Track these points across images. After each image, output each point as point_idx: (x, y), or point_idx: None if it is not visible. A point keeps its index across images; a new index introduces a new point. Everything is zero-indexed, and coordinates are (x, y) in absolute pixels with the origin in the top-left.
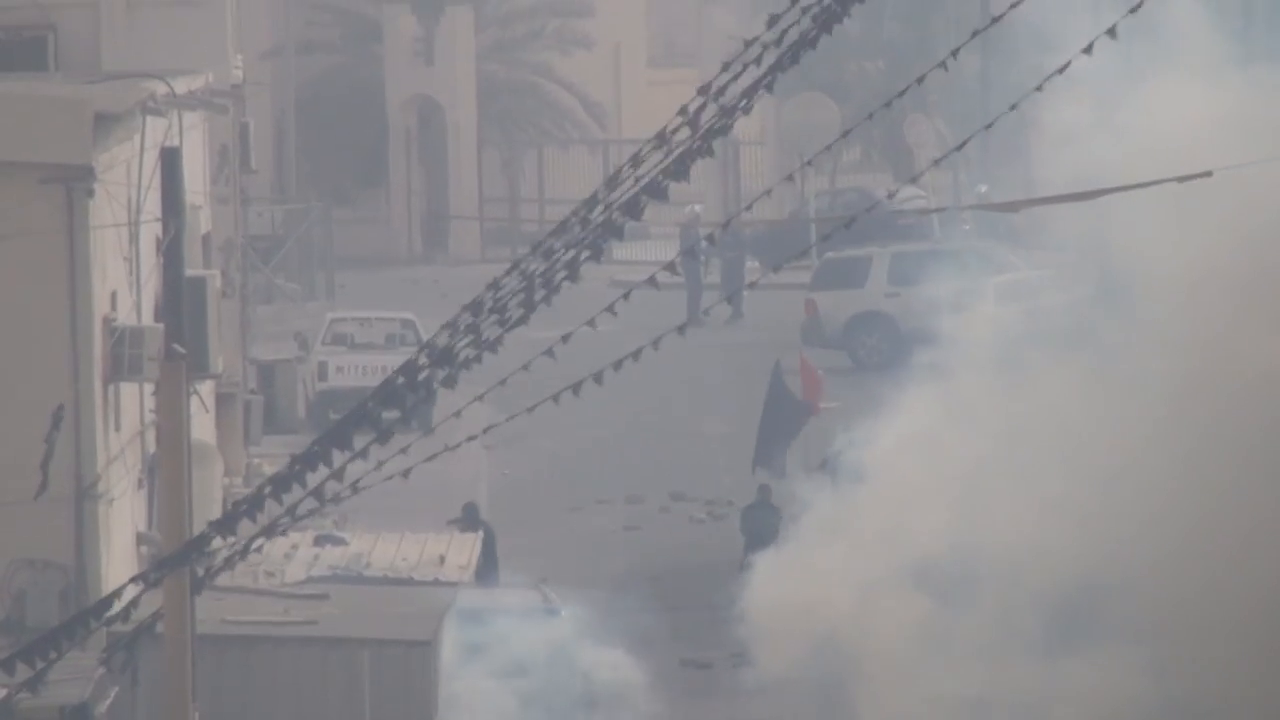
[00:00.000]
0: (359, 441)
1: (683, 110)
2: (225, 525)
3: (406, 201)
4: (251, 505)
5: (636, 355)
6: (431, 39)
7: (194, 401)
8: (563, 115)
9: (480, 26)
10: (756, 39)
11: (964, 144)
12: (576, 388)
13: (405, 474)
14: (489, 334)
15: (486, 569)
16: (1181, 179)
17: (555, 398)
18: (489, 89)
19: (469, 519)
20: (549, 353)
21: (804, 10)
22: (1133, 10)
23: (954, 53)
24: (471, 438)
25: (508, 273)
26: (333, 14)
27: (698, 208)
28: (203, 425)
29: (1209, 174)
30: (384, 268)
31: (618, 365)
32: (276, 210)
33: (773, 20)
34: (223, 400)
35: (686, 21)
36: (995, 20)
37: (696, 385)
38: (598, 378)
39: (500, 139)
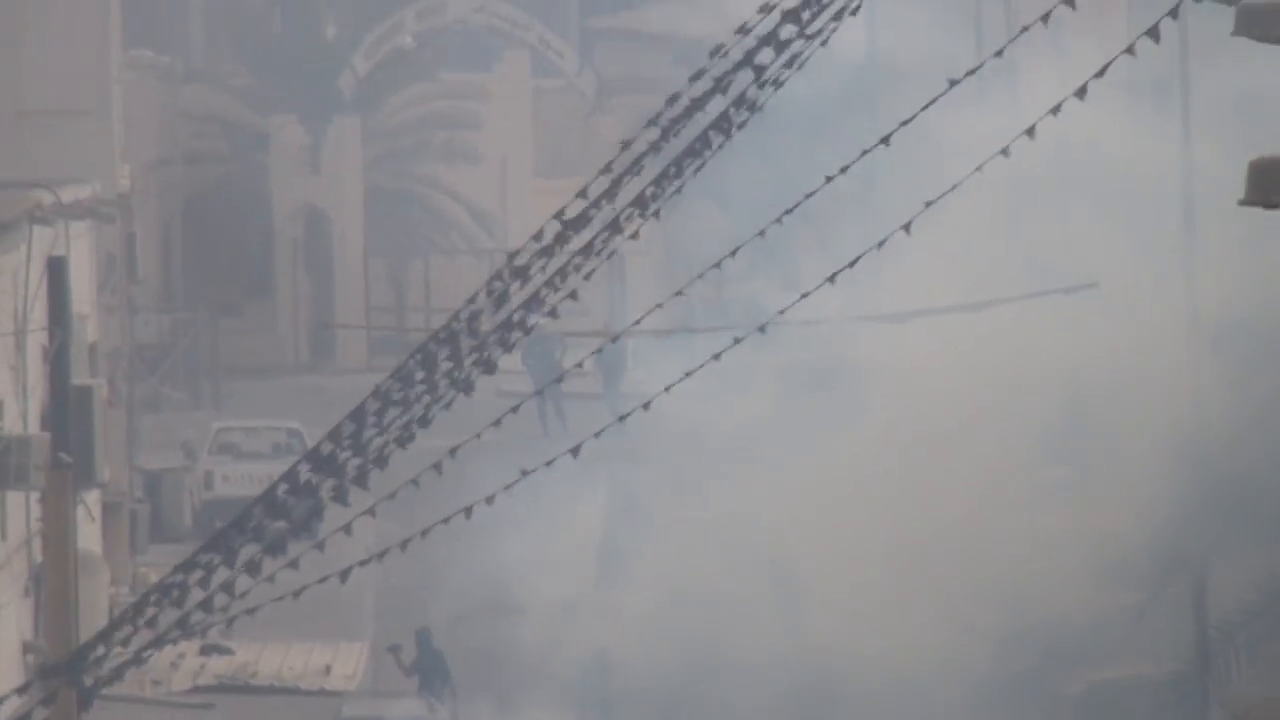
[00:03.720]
0: (245, 552)
1: (559, 214)
2: (111, 634)
3: (293, 310)
4: (136, 614)
5: (526, 474)
6: (318, 148)
7: (80, 511)
8: (449, 224)
9: (368, 138)
10: (631, 143)
11: (855, 262)
12: (468, 511)
13: (296, 595)
14: (375, 446)
15: (437, 692)
16: (1069, 290)
17: (447, 520)
18: (376, 198)
19: (423, 646)
20: (436, 467)
21: (689, 114)
22: (1027, 131)
23: (843, 170)
24: (365, 562)
25: (390, 376)
26: (220, 124)
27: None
28: (89, 534)
29: (1094, 285)
30: (271, 377)
31: (508, 487)
32: (163, 319)
33: (656, 121)
34: (109, 509)
35: (573, 131)
36: (884, 140)
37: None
38: (489, 500)
39: (387, 248)
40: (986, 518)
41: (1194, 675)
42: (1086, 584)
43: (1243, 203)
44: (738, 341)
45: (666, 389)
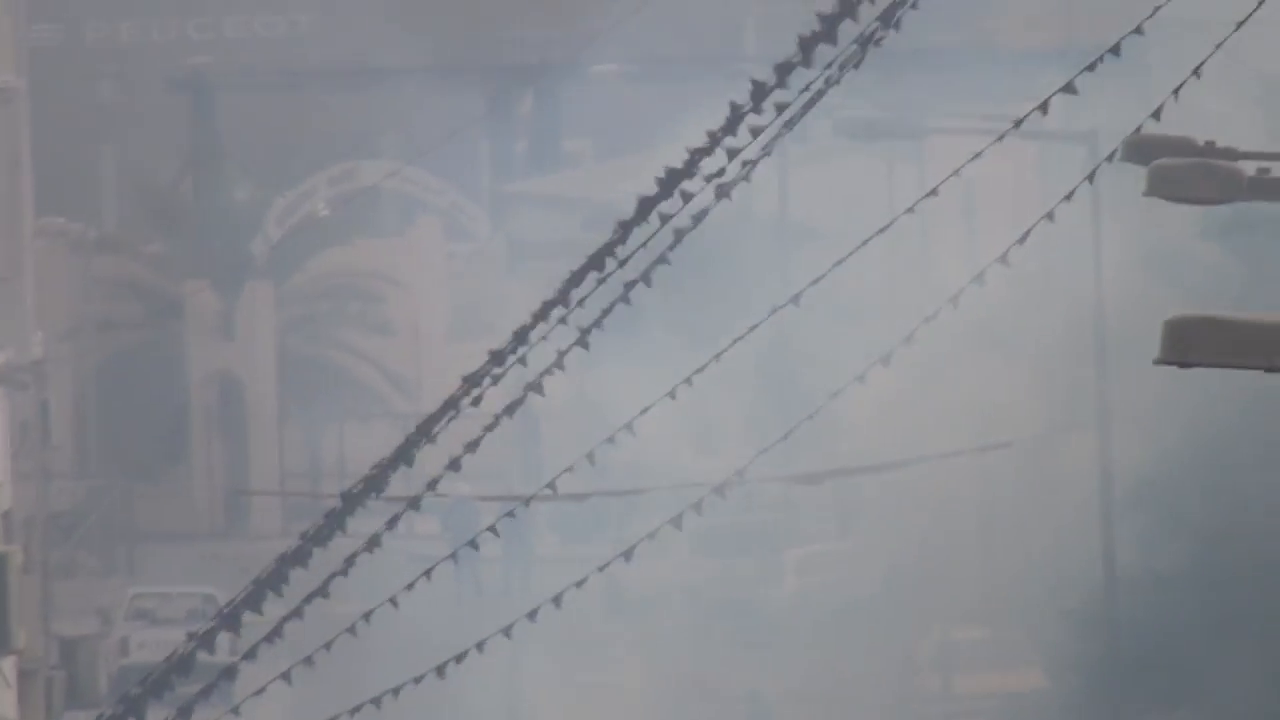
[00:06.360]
0: (157, 716)
1: (468, 377)
2: None
3: (208, 476)
4: None
5: (460, 659)
6: (232, 314)
7: None
8: (364, 390)
9: (281, 303)
10: (551, 304)
11: (790, 433)
12: (396, 691)
13: None
14: (286, 607)
15: None
16: (983, 449)
17: (377, 702)
18: (290, 364)
19: None
20: (351, 630)
21: (600, 282)
22: (975, 279)
23: (753, 328)
24: None
25: (300, 546)
26: (133, 290)
27: (465, 488)
28: (5, 701)
29: (1009, 444)
30: (186, 543)
31: (440, 670)
32: (78, 485)
33: (568, 285)
34: (25, 676)
35: (486, 295)
36: (794, 299)
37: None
38: (443, 669)
39: (302, 414)
40: (902, 678)
41: None
42: None
43: (1158, 362)
44: (696, 507)
45: (624, 555)
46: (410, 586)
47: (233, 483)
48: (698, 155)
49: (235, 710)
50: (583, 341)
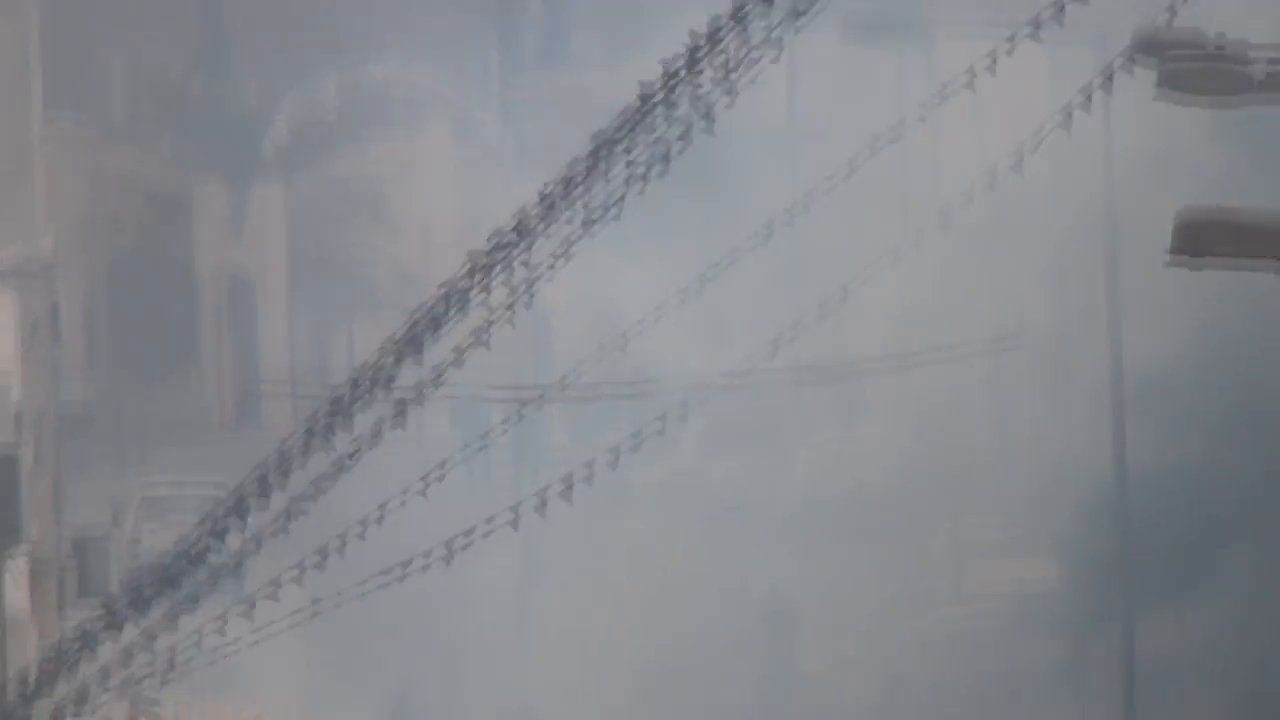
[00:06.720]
0: (168, 604)
1: (473, 254)
2: (41, 687)
3: (218, 374)
4: (63, 664)
5: (469, 536)
6: (241, 213)
7: (7, 572)
8: (374, 289)
9: (291, 203)
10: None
11: (796, 325)
12: (404, 572)
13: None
14: (294, 494)
15: None
16: (994, 343)
17: (393, 576)
18: (300, 262)
19: None
20: (361, 534)
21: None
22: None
23: (767, 230)
24: (297, 623)
25: (302, 431)
26: (143, 190)
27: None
28: (17, 595)
29: (1019, 339)
30: (196, 440)
31: (448, 550)
32: (88, 384)
33: (570, 183)
34: (37, 571)
35: (495, 195)
36: (805, 201)
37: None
38: (451, 554)
39: (311, 312)
40: (915, 569)
41: None
42: (1014, 636)
43: (1169, 253)
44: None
45: (633, 446)
46: (424, 488)
47: (242, 381)
48: (699, 49)
49: (249, 609)
50: (567, 253)
